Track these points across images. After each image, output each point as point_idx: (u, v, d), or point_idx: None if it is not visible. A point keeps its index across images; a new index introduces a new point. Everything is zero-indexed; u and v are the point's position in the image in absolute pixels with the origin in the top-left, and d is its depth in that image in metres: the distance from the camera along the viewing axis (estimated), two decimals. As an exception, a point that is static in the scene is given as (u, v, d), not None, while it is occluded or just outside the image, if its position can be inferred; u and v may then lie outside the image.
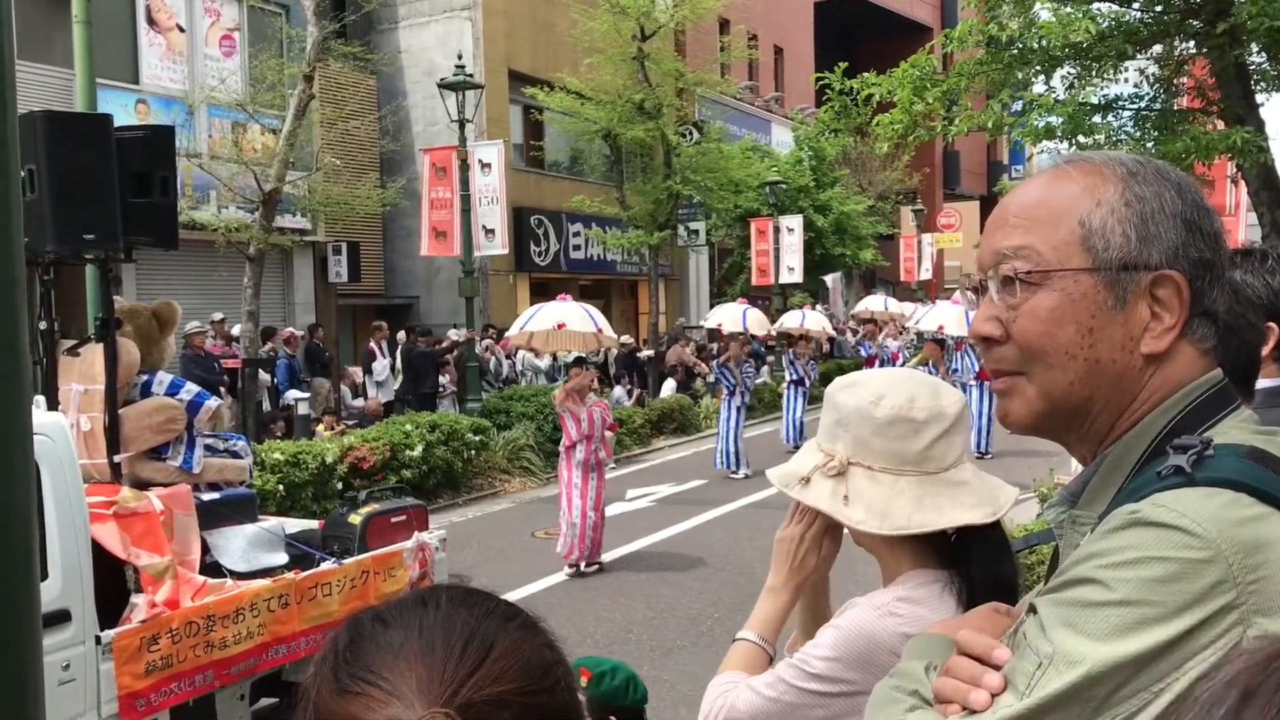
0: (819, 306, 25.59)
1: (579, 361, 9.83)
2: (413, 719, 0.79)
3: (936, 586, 1.69)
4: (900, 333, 22.44)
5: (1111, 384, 1.14)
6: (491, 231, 17.40)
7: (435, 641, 0.84)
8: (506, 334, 12.58)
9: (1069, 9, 7.61)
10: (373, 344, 17.65)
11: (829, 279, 32.99)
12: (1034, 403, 1.17)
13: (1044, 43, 7.83)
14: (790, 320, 20.58)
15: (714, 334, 21.92)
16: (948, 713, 1.08)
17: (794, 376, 17.17)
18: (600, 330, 10.26)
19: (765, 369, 22.64)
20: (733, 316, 18.06)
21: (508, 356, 18.84)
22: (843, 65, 9.53)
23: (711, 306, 28.05)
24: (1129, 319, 1.12)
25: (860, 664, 1.65)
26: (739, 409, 14.93)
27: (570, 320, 9.80)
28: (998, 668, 1.07)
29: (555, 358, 17.96)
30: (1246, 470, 1.03)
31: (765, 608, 1.82)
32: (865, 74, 8.79)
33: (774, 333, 19.69)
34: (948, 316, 16.42)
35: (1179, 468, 1.04)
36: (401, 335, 18.06)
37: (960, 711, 1.06)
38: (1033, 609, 1.06)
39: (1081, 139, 8.27)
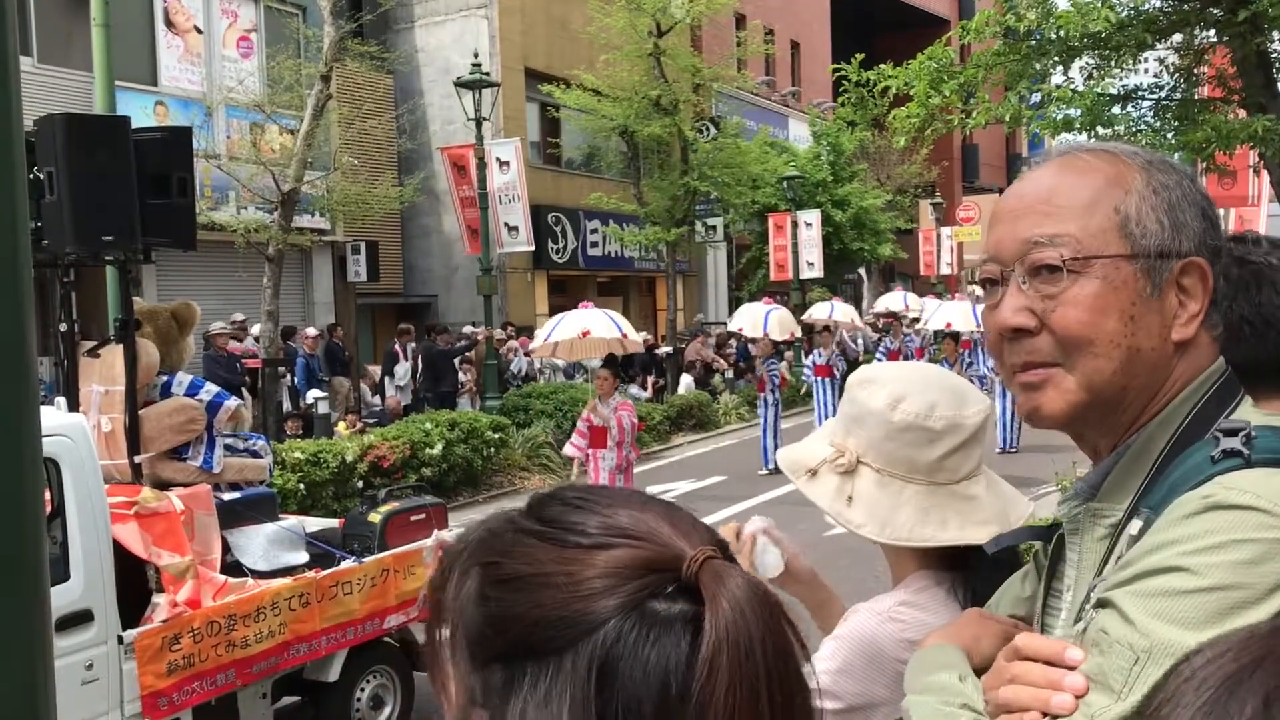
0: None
1: (609, 362, 9.78)
2: (689, 553, 0.71)
3: (941, 590, 1.65)
4: (909, 330, 22.23)
5: (1147, 373, 1.13)
6: (515, 229, 17.47)
7: (655, 506, 0.77)
8: (531, 345, 12.58)
9: None
10: (397, 346, 17.69)
11: (863, 274, 32.94)
12: (1072, 394, 1.13)
13: (1062, 33, 7.75)
14: (819, 312, 20.49)
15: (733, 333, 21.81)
16: None
17: (817, 362, 17.06)
18: (625, 335, 10.21)
19: (784, 364, 22.58)
20: (753, 320, 17.86)
21: (526, 354, 18.87)
22: (859, 56, 9.48)
23: (730, 302, 28.01)
24: (1163, 307, 1.12)
25: (867, 674, 1.60)
26: (774, 405, 14.86)
27: (595, 327, 9.78)
28: (1070, 669, 1.03)
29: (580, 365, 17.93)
30: None
31: None
32: (882, 66, 8.73)
33: (795, 333, 19.58)
34: (955, 313, 16.33)
35: (1234, 450, 1.03)
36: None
37: (1042, 719, 1.02)
38: (1103, 603, 1.04)
39: (1101, 130, 8.19)
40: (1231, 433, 1.05)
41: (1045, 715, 1.02)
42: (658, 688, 0.68)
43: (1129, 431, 1.15)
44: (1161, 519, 1.05)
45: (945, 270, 35.55)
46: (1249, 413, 1.11)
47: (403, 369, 17.38)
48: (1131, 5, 7.98)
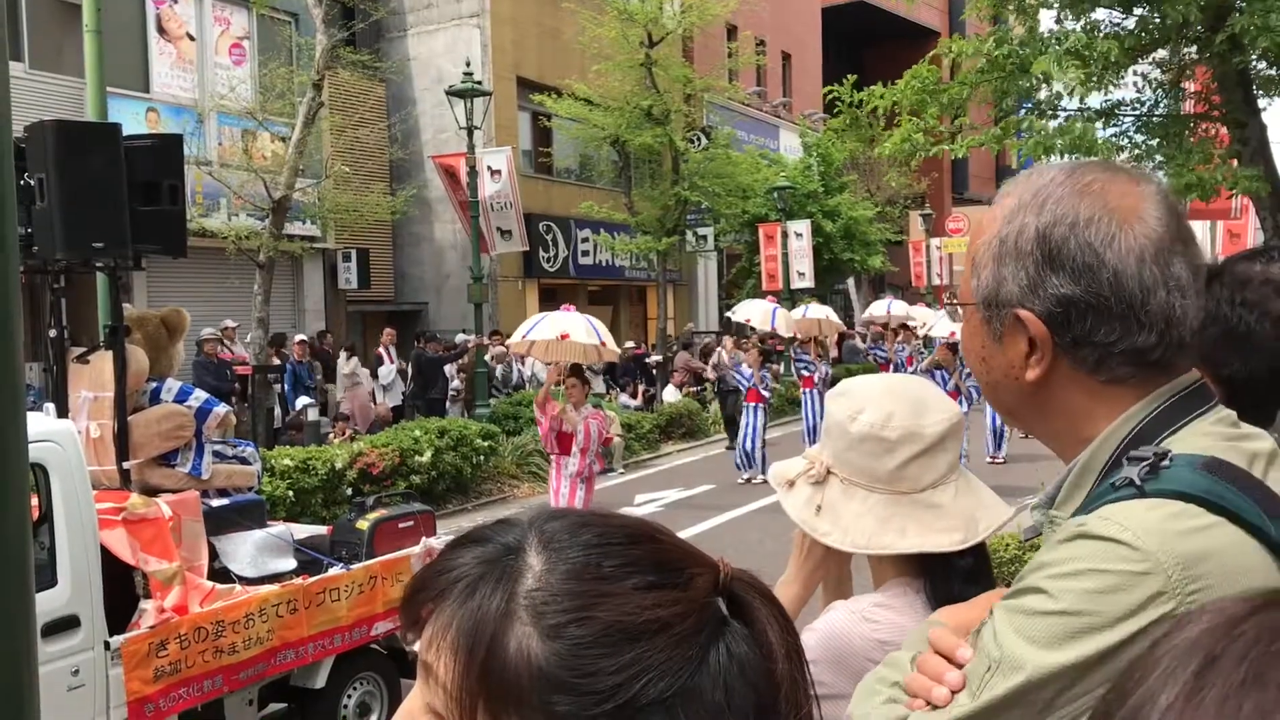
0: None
1: (576, 370, 9.72)
2: (721, 573, 0.75)
3: (920, 596, 1.69)
4: (910, 338, 22.20)
5: (1022, 403, 1.20)
6: (508, 232, 17.55)
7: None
8: (508, 340, 12.55)
9: (1072, 23, 7.62)
10: (380, 349, 17.72)
11: (851, 284, 32.99)
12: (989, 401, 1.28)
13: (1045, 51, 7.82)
14: (793, 315, 20.51)
15: (738, 329, 21.66)
16: (914, 706, 1.12)
17: (804, 372, 17.04)
18: (603, 343, 10.12)
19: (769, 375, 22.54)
20: (763, 313, 17.74)
21: (491, 358, 18.84)
22: (852, 78, 9.53)
23: (720, 311, 28.04)
24: (1007, 350, 1.18)
25: (834, 666, 1.64)
26: (763, 411, 14.87)
27: (574, 332, 9.70)
28: (962, 666, 1.10)
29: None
30: (1198, 481, 1.05)
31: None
32: (871, 87, 8.79)
33: (798, 333, 19.54)
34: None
35: (1130, 480, 1.07)
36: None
37: (924, 706, 1.11)
38: (993, 611, 1.10)
39: (1080, 154, 8.28)
40: (1138, 460, 1.09)
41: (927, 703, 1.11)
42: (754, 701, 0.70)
43: (1069, 448, 1.20)
44: (1047, 542, 1.12)
45: (935, 281, 35.61)
46: (1202, 434, 1.12)
47: (387, 369, 17.38)
48: (1114, 22, 8.06)
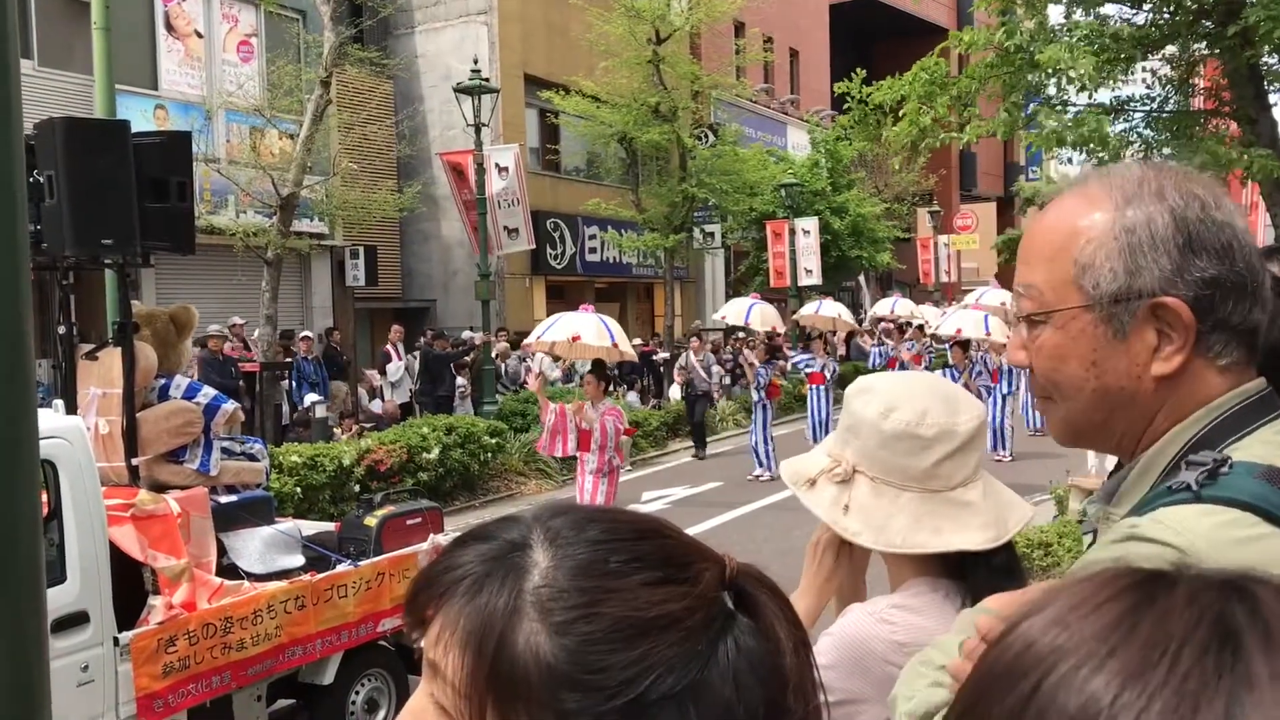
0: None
1: (598, 366, 9.75)
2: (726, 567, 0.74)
3: (938, 596, 1.67)
4: (919, 336, 22.15)
5: (1126, 407, 1.16)
6: (515, 230, 17.54)
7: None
8: (525, 340, 12.61)
9: (1079, 13, 7.58)
10: (389, 346, 17.75)
11: (861, 280, 32.97)
12: (1059, 424, 1.23)
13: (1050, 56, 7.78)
14: (806, 310, 20.49)
15: (729, 332, 21.73)
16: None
17: (807, 369, 17.00)
18: (616, 344, 10.16)
19: (776, 371, 22.47)
20: (737, 311, 18.00)
21: (522, 359, 18.85)
22: (861, 73, 9.50)
23: (728, 309, 28.00)
24: (1132, 347, 1.14)
25: (853, 671, 1.62)
26: (764, 409, 14.87)
27: (585, 334, 9.75)
28: None
29: (573, 367, 17.89)
30: (1256, 490, 1.04)
31: None
32: (879, 82, 8.79)
33: (778, 327, 19.56)
34: (965, 321, 16.34)
35: (1187, 484, 1.06)
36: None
37: None
38: None
39: (1092, 146, 8.24)
40: (1196, 465, 1.07)
41: None
42: (762, 694, 0.69)
43: (1140, 446, 1.19)
44: (1099, 540, 1.11)
45: (943, 278, 35.57)
46: (1266, 442, 1.11)
47: (395, 366, 17.40)
48: (1124, 18, 8.03)
